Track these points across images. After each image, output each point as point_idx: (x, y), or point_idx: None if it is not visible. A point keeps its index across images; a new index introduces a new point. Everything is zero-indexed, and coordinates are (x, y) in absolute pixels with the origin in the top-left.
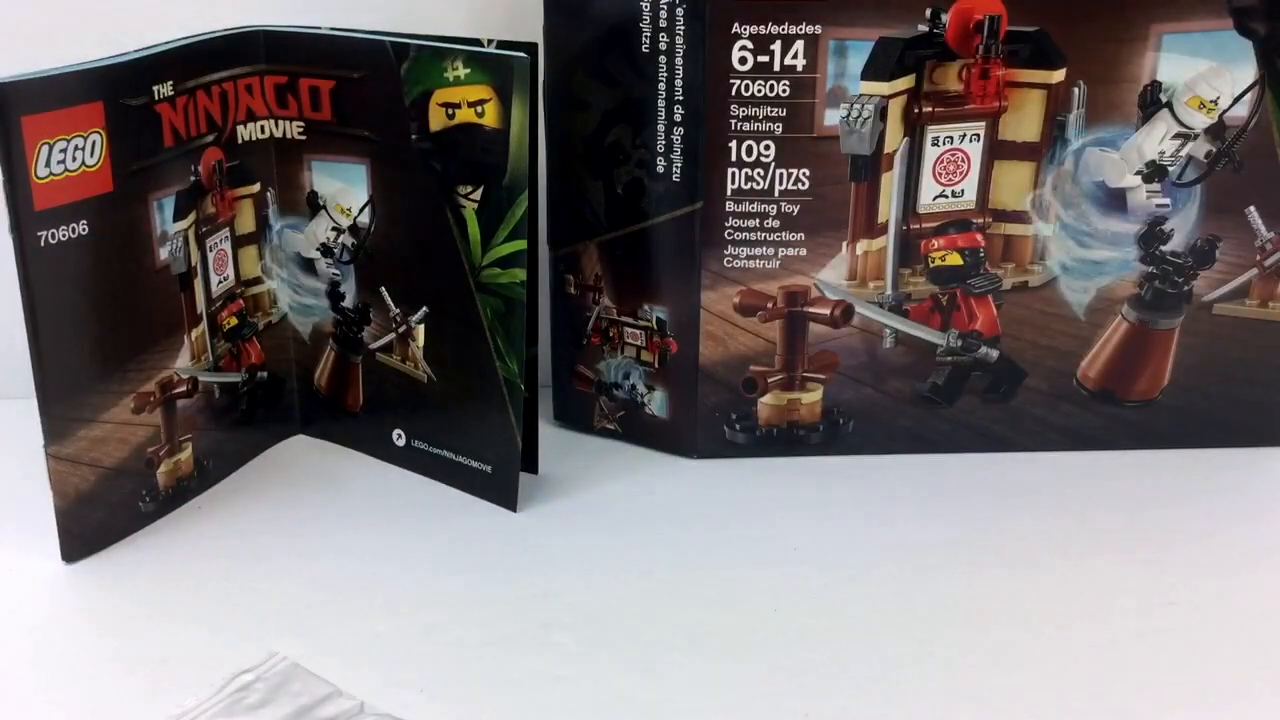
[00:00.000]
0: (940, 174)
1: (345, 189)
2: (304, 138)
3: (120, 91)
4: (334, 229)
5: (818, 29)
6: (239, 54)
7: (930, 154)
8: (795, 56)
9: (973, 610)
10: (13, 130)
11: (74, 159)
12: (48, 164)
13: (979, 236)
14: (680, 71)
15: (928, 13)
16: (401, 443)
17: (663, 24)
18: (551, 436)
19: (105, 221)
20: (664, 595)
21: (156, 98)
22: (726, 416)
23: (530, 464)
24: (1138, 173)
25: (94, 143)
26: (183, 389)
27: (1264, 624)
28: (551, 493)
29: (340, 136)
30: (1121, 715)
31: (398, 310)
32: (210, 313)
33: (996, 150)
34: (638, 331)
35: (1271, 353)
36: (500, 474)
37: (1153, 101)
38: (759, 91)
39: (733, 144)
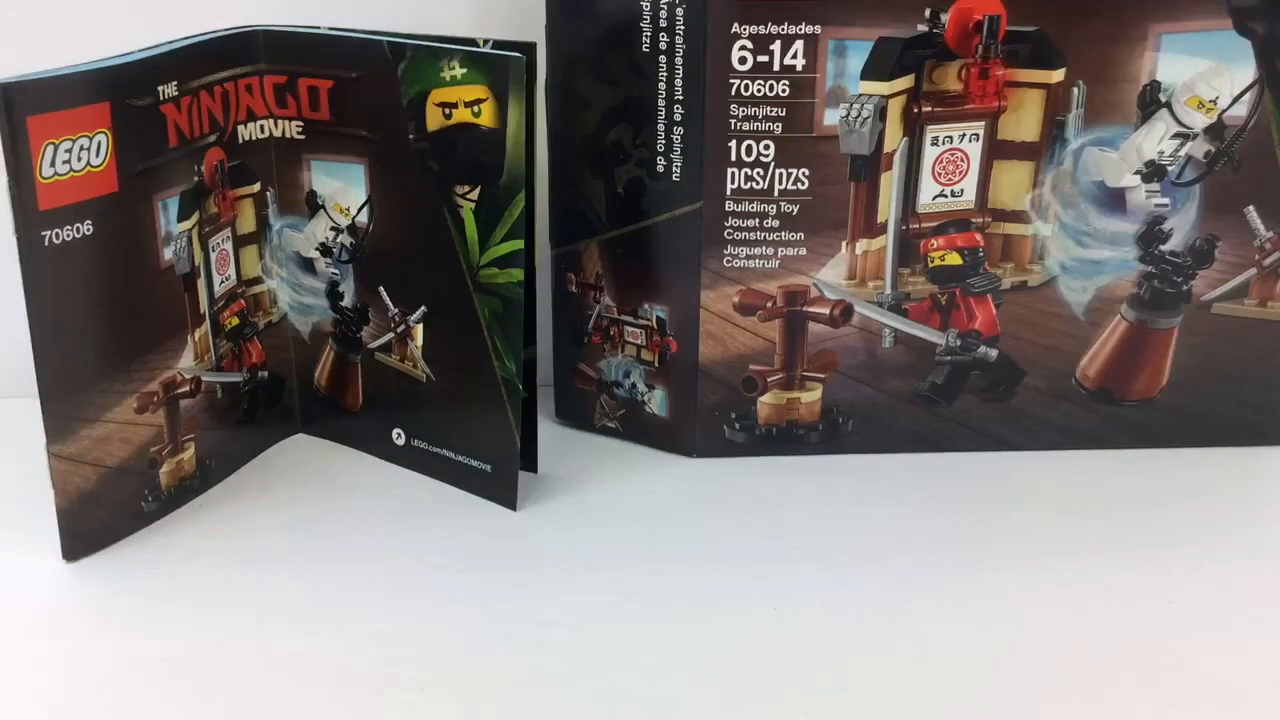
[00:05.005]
0: (939, 174)
1: (344, 188)
2: (303, 137)
3: (126, 92)
4: (333, 228)
5: (817, 29)
6: (239, 54)
7: (929, 154)
8: (795, 56)
9: (972, 610)
10: (18, 130)
11: (79, 159)
12: (53, 164)
13: (978, 236)
14: (680, 71)
15: (927, 12)
16: (401, 442)
17: (663, 24)
18: (553, 434)
19: (110, 221)
20: (663, 594)
21: (162, 98)
22: (726, 415)
23: (530, 463)
24: (1137, 172)
25: (99, 143)
26: (186, 389)
27: (1264, 624)
28: (551, 491)
29: (339, 136)
30: (1121, 715)
31: (396, 310)
32: (213, 313)
33: (996, 150)
34: (638, 330)
35: (1271, 352)
36: (500, 473)
37: (1152, 101)
38: (759, 91)
39: (733, 144)
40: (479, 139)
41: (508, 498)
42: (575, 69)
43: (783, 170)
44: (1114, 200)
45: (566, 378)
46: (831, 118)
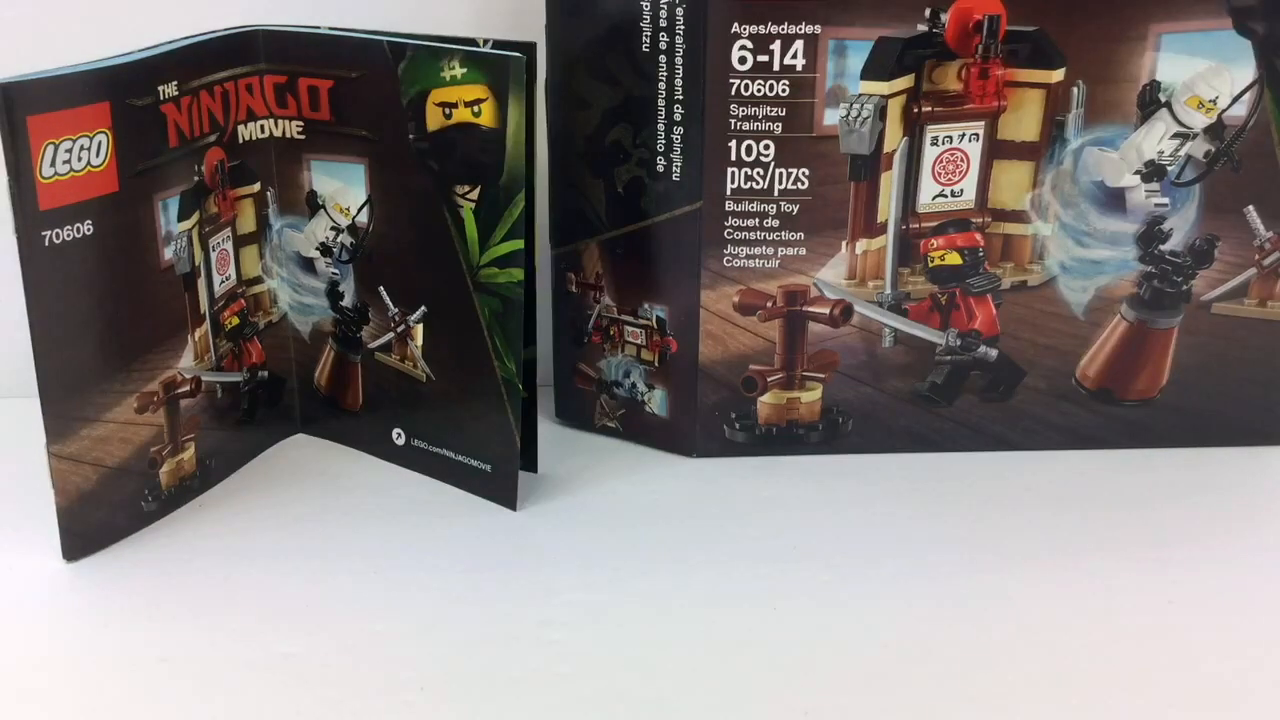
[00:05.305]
0: (939, 173)
1: (344, 188)
2: (303, 137)
3: (126, 92)
4: (333, 228)
5: (817, 29)
6: (239, 53)
7: (929, 153)
8: (795, 56)
9: (972, 609)
10: (18, 130)
11: (79, 159)
12: (53, 164)
13: (978, 236)
14: (680, 71)
15: (927, 12)
16: (401, 441)
17: (663, 23)
18: (553, 434)
19: (110, 221)
20: (663, 594)
21: (162, 98)
22: (726, 415)
23: (530, 463)
24: (1136, 172)
25: (100, 143)
26: (186, 389)
27: (1264, 624)
28: (551, 491)
29: (339, 136)
30: (1121, 715)
31: (396, 310)
32: (213, 312)
33: (996, 150)
34: (638, 330)
35: (1270, 352)
36: (499, 473)
37: (1152, 101)
38: (759, 91)
39: (733, 143)
40: (479, 139)
41: (508, 498)
42: (575, 69)
43: (783, 170)
44: (1114, 200)
45: (566, 378)
46: (831, 118)
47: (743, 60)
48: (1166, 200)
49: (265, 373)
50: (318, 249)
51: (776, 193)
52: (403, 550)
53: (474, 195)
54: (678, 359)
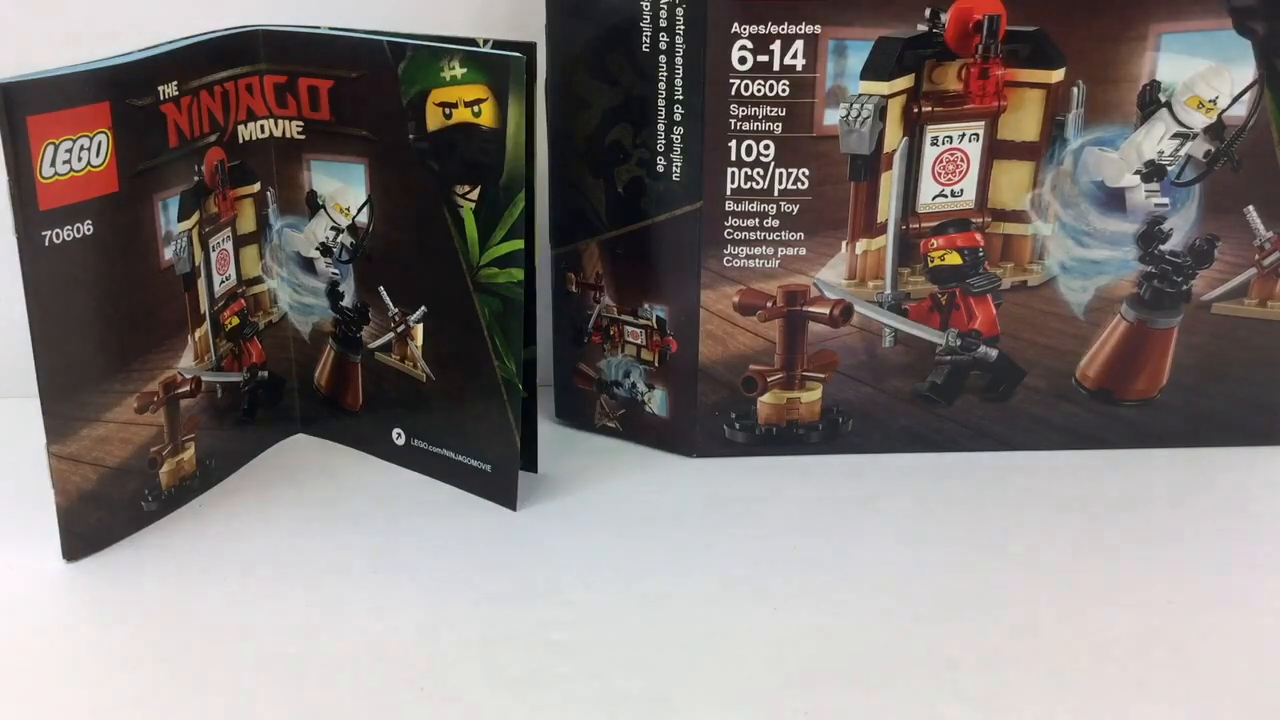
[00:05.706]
0: (939, 173)
1: (344, 188)
2: (303, 137)
3: (126, 92)
4: (333, 228)
5: (817, 29)
6: (239, 53)
7: (929, 153)
8: (795, 56)
9: (972, 609)
10: (19, 130)
11: (79, 159)
12: (53, 164)
13: (978, 236)
14: (680, 71)
15: (927, 12)
16: (401, 442)
17: (663, 24)
18: (552, 434)
19: (110, 221)
20: (663, 594)
21: (162, 98)
22: (726, 415)
23: (530, 463)
24: (1136, 172)
25: (100, 143)
26: (186, 389)
27: (1263, 624)
28: (551, 491)
29: (339, 136)
30: (1121, 715)
31: (396, 310)
32: (213, 312)
33: (996, 150)
34: (638, 330)
35: (1271, 352)
36: (499, 473)
37: (1152, 101)
38: (759, 91)
39: (733, 144)
40: (479, 139)
41: (508, 498)
42: (575, 69)
43: (783, 170)
44: (1114, 200)
45: (566, 378)
46: (831, 118)
47: (743, 60)
48: (1166, 200)
49: (265, 373)
50: (318, 249)
51: (776, 193)
52: (403, 550)
53: (474, 195)
54: (678, 359)
